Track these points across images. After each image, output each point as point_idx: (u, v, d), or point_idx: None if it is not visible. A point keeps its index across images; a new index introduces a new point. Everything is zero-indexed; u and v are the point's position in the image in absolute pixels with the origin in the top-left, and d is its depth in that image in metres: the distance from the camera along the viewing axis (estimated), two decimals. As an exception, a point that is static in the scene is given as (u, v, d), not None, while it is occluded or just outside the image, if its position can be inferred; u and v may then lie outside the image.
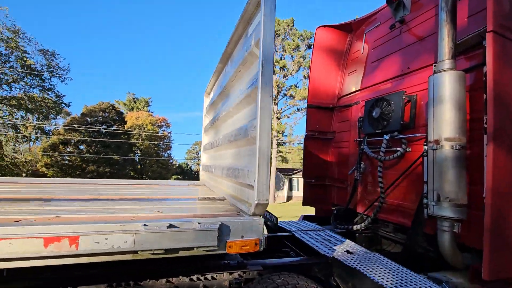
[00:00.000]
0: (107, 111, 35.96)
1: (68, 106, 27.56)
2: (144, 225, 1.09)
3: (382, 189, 2.92)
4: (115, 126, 36.84)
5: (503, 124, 1.82)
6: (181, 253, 1.16)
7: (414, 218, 2.46)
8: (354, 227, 3.26)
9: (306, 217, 4.11)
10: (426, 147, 2.37)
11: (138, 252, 1.07)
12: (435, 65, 2.25)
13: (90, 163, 32.88)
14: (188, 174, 56.92)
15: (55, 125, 31.11)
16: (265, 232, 1.40)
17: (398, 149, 2.84)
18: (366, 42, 3.75)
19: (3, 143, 23.61)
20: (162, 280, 1.87)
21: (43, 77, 24.49)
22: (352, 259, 2.18)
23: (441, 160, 2.11)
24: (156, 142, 41.36)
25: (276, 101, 26.59)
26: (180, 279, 1.92)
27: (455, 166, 2.03)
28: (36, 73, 23.58)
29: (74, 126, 33.24)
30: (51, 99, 25.36)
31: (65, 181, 3.69)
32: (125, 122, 38.43)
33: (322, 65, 4.30)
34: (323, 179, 4.26)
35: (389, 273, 1.95)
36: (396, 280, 1.85)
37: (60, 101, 26.20)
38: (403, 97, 2.83)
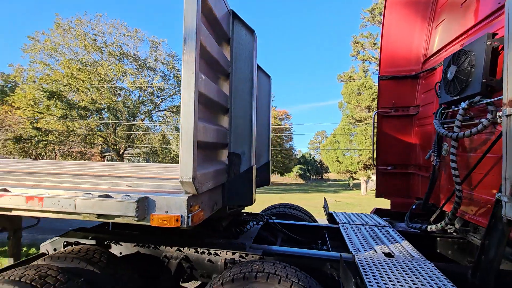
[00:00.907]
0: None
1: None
2: (85, 193, 1.37)
3: (457, 177, 2.08)
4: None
5: None
6: (115, 220, 1.37)
7: (490, 218, 1.65)
8: (429, 227, 2.50)
9: (378, 211, 3.47)
10: (499, 113, 1.51)
11: (80, 214, 1.37)
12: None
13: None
14: (311, 163, 57.58)
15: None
16: (194, 210, 1.37)
17: (481, 120, 1.94)
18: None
19: (171, 141, 31.77)
20: (174, 248, 2.20)
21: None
22: (382, 265, 1.73)
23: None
24: (278, 134, 44.05)
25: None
26: (189, 250, 2.18)
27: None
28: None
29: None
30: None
31: (92, 163, 4.82)
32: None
33: (400, 22, 3.44)
34: (403, 166, 3.44)
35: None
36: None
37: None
38: (488, 43, 1.90)
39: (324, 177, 62.47)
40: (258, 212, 3.21)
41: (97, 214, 1.36)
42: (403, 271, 1.69)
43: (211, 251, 2.14)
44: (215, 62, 1.75)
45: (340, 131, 25.97)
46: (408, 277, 1.60)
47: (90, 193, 1.39)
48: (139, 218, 1.31)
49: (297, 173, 46.57)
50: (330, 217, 3.19)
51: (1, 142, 21.89)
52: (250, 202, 2.00)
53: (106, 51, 25.55)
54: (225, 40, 2.00)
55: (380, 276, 1.61)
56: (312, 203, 12.53)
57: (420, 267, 1.74)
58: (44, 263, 1.85)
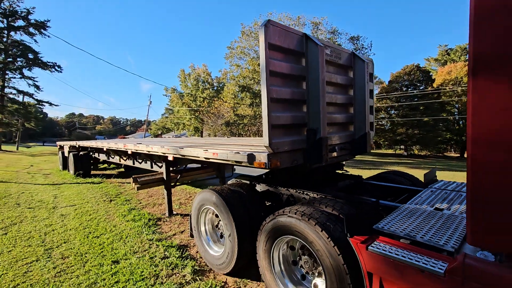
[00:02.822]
0: (412, 73, 35.77)
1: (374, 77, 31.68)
2: (230, 152, 3.00)
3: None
4: (422, 87, 35.66)
5: (492, 80, 1.25)
6: (242, 164, 2.91)
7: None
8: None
9: None
10: None
11: (229, 160, 3.03)
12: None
13: (399, 126, 35.28)
14: None
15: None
16: (269, 160, 2.64)
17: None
18: None
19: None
20: (285, 188, 3.60)
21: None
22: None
23: None
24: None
25: None
26: (293, 190, 3.52)
27: None
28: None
29: (384, 94, 37.10)
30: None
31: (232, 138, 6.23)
32: (433, 81, 35.70)
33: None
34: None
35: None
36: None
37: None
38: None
39: None
40: (355, 174, 3.97)
41: (234, 161, 3.00)
42: (412, 214, 2.17)
43: (304, 192, 3.34)
44: (288, 75, 2.88)
45: None
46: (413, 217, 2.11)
47: (231, 150, 3.05)
48: (249, 162, 2.81)
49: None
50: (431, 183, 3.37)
51: (219, 126, 31.85)
52: (321, 161, 3.01)
53: (277, 43, 29.77)
54: (301, 55, 3.03)
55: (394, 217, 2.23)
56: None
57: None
58: (228, 187, 3.83)
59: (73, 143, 11.60)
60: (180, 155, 4.15)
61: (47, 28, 30.24)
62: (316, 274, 2.52)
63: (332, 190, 3.29)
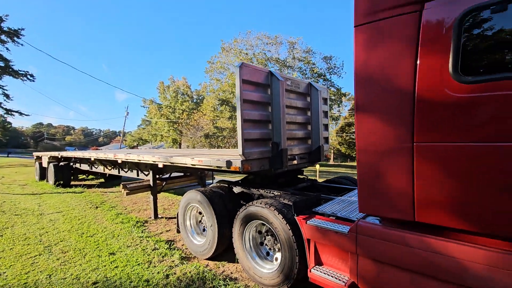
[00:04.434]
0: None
1: (346, 95, 34.02)
2: (212, 159, 3.86)
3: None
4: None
5: (367, 100, 2.28)
6: (222, 168, 3.78)
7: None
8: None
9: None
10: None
11: (212, 166, 3.89)
12: None
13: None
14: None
15: (339, 112, 39.36)
16: (242, 165, 3.56)
17: None
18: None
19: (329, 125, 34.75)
20: (256, 189, 4.49)
21: (327, 78, 32.68)
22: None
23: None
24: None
25: None
26: (262, 190, 4.41)
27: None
28: (322, 76, 32.09)
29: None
30: (333, 92, 33.06)
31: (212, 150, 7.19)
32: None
33: None
34: None
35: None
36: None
37: (340, 93, 33.25)
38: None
39: None
40: (311, 178, 4.98)
41: (216, 166, 3.87)
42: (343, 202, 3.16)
43: (270, 191, 4.25)
44: (257, 102, 3.84)
45: None
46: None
47: (213, 158, 3.93)
48: (227, 167, 3.69)
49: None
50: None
51: (198, 138, 32.30)
52: (282, 167, 3.97)
53: (255, 60, 31.28)
54: (267, 86, 4.03)
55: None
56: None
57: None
58: (210, 188, 4.65)
59: (55, 153, 11.77)
60: (169, 162, 4.94)
61: (20, 36, 29.61)
62: (277, 249, 3.42)
63: (291, 189, 4.23)
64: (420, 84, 2.04)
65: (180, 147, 38.54)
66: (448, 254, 1.96)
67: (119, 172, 8.01)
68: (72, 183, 11.78)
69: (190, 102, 41.32)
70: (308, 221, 2.86)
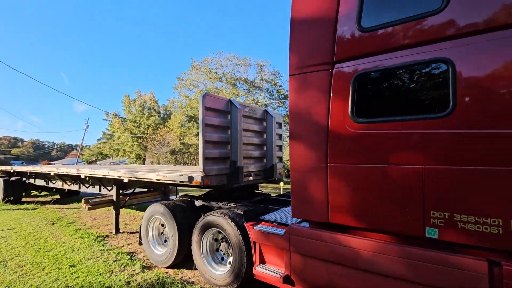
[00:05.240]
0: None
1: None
2: (176, 174, 4.35)
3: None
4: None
5: (297, 131, 3.03)
6: (184, 183, 4.27)
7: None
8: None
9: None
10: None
11: (176, 181, 4.37)
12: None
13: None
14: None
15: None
16: (202, 180, 4.11)
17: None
18: None
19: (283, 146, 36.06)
20: (215, 202, 5.00)
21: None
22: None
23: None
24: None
25: None
26: (221, 203, 4.94)
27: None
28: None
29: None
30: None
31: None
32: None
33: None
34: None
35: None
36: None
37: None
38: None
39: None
40: (265, 193, 5.65)
41: (179, 181, 4.35)
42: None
43: (228, 204, 4.80)
44: (218, 126, 4.47)
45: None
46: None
47: (177, 174, 4.41)
48: (189, 182, 4.20)
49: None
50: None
51: (163, 154, 31.76)
52: (238, 182, 4.58)
53: (224, 79, 32.25)
54: (227, 112, 4.69)
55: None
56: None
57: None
58: (173, 202, 5.05)
59: (7, 167, 11.10)
60: (135, 177, 5.27)
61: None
62: (230, 254, 3.94)
63: (246, 202, 4.83)
64: (331, 122, 2.84)
65: (144, 163, 37.32)
66: (348, 245, 2.69)
67: (79, 188, 7.97)
68: (24, 199, 11.11)
69: (156, 117, 40.68)
70: (254, 227, 3.47)
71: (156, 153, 32.96)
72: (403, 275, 2.39)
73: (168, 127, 34.92)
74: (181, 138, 32.29)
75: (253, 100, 31.87)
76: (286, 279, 3.09)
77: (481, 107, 2.12)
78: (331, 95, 2.85)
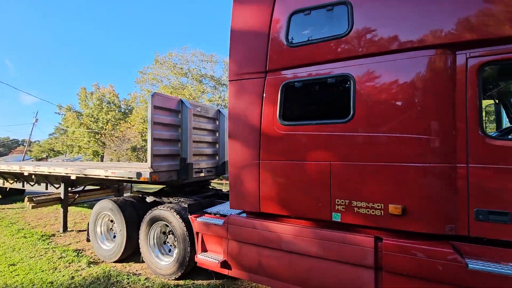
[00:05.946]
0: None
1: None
2: (126, 171, 4.46)
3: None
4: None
5: (235, 131, 3.38)
6: (133, 179, 4.40)
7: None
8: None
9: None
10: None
11: (125, 177, 4.46)
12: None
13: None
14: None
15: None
16: (150, 176, 4.29)
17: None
18: None
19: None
20: (165, 198, 5.17)
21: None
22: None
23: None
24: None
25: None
26: (171, 198, 5.12)
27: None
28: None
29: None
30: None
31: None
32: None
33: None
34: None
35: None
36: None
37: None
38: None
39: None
40: (217, 188, 5.97)
41: (128, 177, 4.47)
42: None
43: (178, 199, 5.01)
44: (168, 124, 4.65)
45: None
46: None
47: (127, 170, 4.52)
48: (137, 178, 4.34)
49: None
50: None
51: (124, 151, 30.40)
52: (188, 178, 4.82)
53: (190, 75, 31.72)
54: (178, 112, 4.89)
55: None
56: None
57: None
58: (123, 198, 5.11)
59: None
60: (83, 174, 5.22)
61: None
62: (176, 245, 4.17)
63: (196, 197, 5.09)
64: (263, 123, 3.22)
65: (102, 160, 35.30)
66: (274, 231, 3.11)
67: (23, 186, 7.55)
68: (-44, 199, 10.08)
69: (117, 111, 38.63)
70: (197, 219, 3.76)
71: (115, 150, 31.39)
72: (316, 253, 2.87)
73: (130, 123, 33.42)
74: (143, 135, 31.14)
75: (219, 97, 31.79)
76: (224, 264, 3.44)
77: (371, 116, 2.65)
78: (264, 100, 3.23)
